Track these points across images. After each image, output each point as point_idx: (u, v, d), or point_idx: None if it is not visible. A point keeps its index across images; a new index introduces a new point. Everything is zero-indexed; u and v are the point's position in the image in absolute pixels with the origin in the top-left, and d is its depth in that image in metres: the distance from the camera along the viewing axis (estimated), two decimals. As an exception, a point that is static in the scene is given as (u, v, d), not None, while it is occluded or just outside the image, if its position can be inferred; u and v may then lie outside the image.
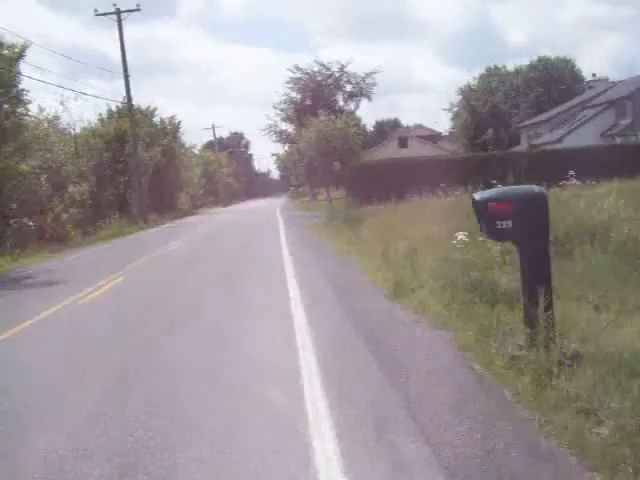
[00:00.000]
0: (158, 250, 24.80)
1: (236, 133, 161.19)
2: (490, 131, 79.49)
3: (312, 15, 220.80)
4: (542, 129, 72.09)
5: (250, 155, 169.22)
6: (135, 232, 40.36)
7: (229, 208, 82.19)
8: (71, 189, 41.16)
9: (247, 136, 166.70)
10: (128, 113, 47.20)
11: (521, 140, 77.15)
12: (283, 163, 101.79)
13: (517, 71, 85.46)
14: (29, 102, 33.57)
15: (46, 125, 43.30)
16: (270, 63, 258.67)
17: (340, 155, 76.42)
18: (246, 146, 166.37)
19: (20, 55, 31.72)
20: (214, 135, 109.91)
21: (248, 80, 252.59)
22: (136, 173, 47.23)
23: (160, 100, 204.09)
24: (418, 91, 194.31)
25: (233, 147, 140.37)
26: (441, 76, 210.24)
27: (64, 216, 38.46)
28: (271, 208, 59.31)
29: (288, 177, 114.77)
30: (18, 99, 32.04)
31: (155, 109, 64.91)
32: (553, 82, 79.84)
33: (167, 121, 68.83)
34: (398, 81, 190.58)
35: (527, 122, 76.38)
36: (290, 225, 33.54)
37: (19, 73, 32.07)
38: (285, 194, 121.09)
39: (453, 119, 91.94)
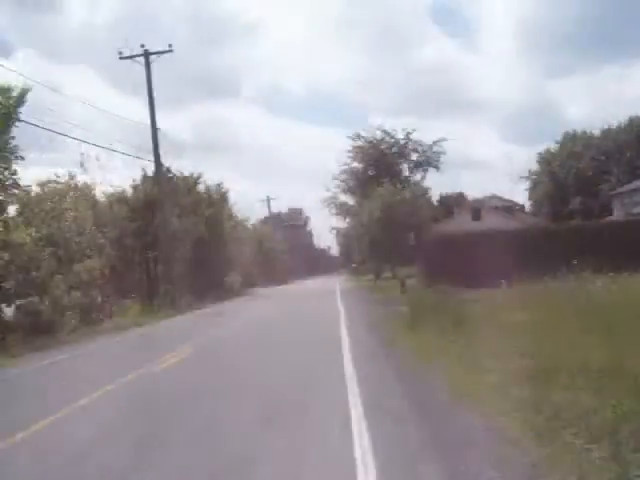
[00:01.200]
0: (148, 365, 14.97)
1: (295, 209, 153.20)
2: (577, 200, 69.57)
3: (371, 93, 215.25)
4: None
5: (309, 231, 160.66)
6: (155, 321, 31.10)
7: (282, 288, 72.75)
8: (77, 266, 32.27)
9: (306, 212, 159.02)
10: (155, 171, 38.36)
11: (614, 210, 66.86)
12: (343, 238, 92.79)
13: (605, 134, 75.16)
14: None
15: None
16: (330, 141, 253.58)
17: (407, 229, 67.39)
18: (305, 222, 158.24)
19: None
20: (269, 207, 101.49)
21: (308, 158, 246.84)
22: (164, 246, 38.29)
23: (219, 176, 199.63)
24: (478, 167, 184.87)
25: (291, 222, 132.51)
26: (500, 152, 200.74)
27: (65, 299, 29.77)
28: (330, 290, 49.48)
29: (349, 253, 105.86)
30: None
31: (200, 176, 56.49)
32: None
33: (213, 189, 60.15)
34: (458, 156, 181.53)
35: (621, 189, 66.17)
36: (360, 322, 22.26)
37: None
38: (345, 271, 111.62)
39: (532, 189, 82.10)
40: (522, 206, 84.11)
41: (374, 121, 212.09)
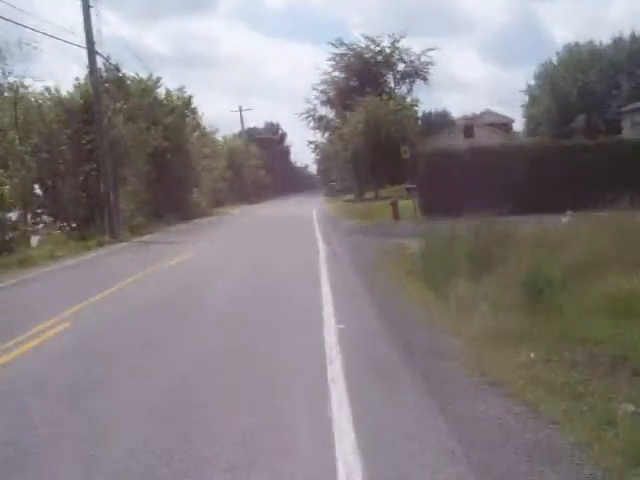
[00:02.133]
0: None
1: (272, 124, 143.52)
2: (581, 117, 61.96)
3: (354, 11, 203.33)
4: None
5: (286, 147, 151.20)
6: (76, 255, 23.59)
7: (253, 208, 64.87)
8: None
9: (285, 128, 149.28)
10: (88, 63, 29.83)
11: (622, 128, 59.50)
12: (322, 154, 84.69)
13: (616, 44, 66.82)
14: None
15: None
16: (310, 59, 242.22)
17: (393, 144, 59.70)
18: (282, 138, 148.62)
19: None
20: (241, 119, 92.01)
21: (289, 75, 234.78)
22: (102, 156, 30.31)
23: (195, 92, 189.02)
24: (461, 89, 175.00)
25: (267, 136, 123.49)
26: (483, 73, 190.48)
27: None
28: (307, 213, 41.79)
29: (327, 171, 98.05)
30: None
31: (159, 79, 48.00)
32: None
33: (175, 95, 51.58)
34: (441, 77, 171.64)
35: (632, 106, 58.62)
36: (355, 276, 13.96)
37: None
38: (324, 190, 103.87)
39: (529, 105, 74.14)
40: (511, 121, 76.48)
41: (357, 39, 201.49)
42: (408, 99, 70.07)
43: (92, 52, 29.12)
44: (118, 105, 37.49)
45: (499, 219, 14.25)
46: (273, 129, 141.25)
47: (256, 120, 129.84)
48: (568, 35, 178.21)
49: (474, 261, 11.78)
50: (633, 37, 64.79)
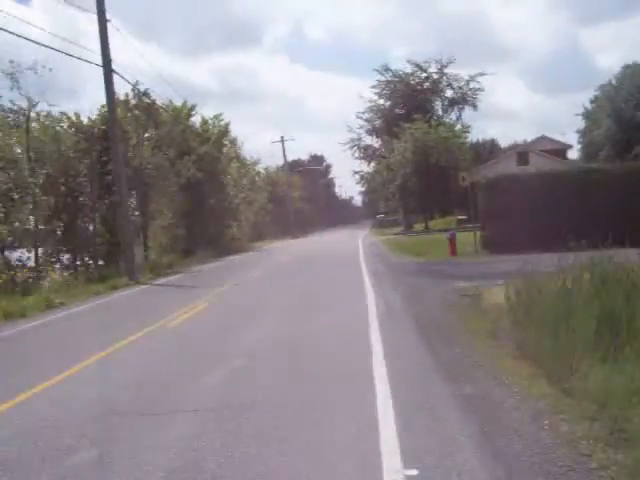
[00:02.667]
0: None
1: (316, 156, 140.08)
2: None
3: (396, 42, 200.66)
4: None
5: (330, 179, 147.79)
6: (82, 301, 19.93)
7: (294, 243, 60.95)
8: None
9: (329, 160, 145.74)
10: (104, 78, 26.16)
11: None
12: (367, 185, 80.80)
13: None
14: None
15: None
16: (353, 89, 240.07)
17: (445, 172, 55.78)
18: (327, 170, 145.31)
19: None
20: (283, 150, 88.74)
21: (331, 107, 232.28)
22: (120, 187, 26.70)
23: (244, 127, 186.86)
24: (505, 118, 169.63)
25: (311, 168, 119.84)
26: (527, 102, 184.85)
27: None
28: (352, 249, 37.51)
29: (373, 202, 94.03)
30: None
31: (194, 106, 44.77)
32: None
33: (211, 123, 48.24)
34: (486, 106, 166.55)
35: None
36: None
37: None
38: (369, 222, 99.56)
39: (587, 130, 69.25)
40: (567, 147, 71.56)
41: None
42: (458, 125, 65.78)
43: (108, 71, 25.55)
44: (146, 134, 34.49)
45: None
46: (317, 161, 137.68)
47: (300, 152, 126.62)
48: (613, 60, 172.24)
49: (597, 321, 7.64)
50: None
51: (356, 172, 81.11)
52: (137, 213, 34.92)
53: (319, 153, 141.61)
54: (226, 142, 51.32)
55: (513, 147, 70.95)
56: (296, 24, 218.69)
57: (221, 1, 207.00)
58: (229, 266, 33.35)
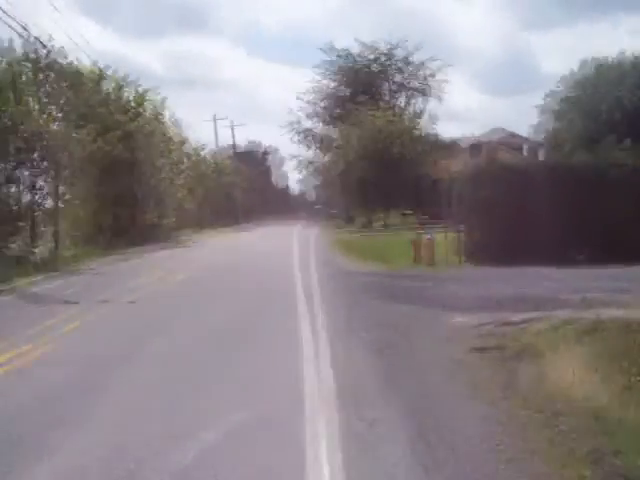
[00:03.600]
0: None
1: (253, 142, 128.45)
2: (628, 141, 51.75)
3: (347, 36, 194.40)
4: None
5: (267, 167, 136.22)
6: None
7: (223, 237, 53.14)
8: None
9: (270, 147, 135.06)
10: None
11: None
12: (310, 172, 74.17)
13: None
14: None
15: None
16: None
17: (408, 165, 50.05)
18: (264, 157, 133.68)
19: None
20: (215, 130, 79.72)
21: (283, 99, 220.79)
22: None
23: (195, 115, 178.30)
24: (460, 119, 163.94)
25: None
26: (475, 102, 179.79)
27: None
28: (296, 247, 31.11)
29: (323, 194, 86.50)
30: None
31: (103, 70, 37.75)
32: None
33: (140, 96, 41.56)
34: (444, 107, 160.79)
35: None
36: None
37: None
38: (311, 217, 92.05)
39: (551, 123, 63.55)
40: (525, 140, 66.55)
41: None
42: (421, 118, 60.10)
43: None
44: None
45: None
46: (254, 146, 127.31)
47: (224, 118, 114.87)
48: (557, 66, 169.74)
49: None
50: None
51: (294, 156, 73.91)
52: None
53: (259, 140, 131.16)
54: (164, 120, 45.15)
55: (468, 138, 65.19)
56: (253, 14, 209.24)
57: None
58: (137, 267, 26.27)
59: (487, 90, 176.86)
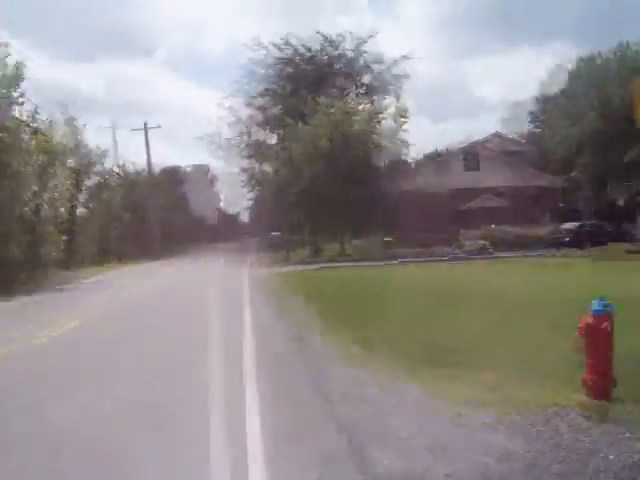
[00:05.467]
0: None
1: (200, 165, 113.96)
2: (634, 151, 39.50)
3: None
4: None
5: (216, 193, 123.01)
6: None
7: (142, 271, 38.23)
8: None
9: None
10: None
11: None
12: (260, 186, 58.85)
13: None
14: None
15: None
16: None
17: (372, 175, 36.36)
18: (212, 182, 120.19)
19: None
20: (145, 133, 63.03)
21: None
22: None
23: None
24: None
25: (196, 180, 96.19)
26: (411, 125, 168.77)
27: None
28: (214, 300, 17.28)
29: (262, 216, 73.27)
30: None
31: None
32: None
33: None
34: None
35: None
36: None
37: None
38: (257, 244, 78.12)
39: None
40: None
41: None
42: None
43: None
44: None
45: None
46: (202, 170, 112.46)
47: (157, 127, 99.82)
48: (492, 92, 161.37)
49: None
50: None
51: (244, 170, 58.25)
52: None
53: (204, 162, 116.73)
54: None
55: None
56: (189, 36, 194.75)
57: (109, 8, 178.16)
58: None
59: (424, 114, 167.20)
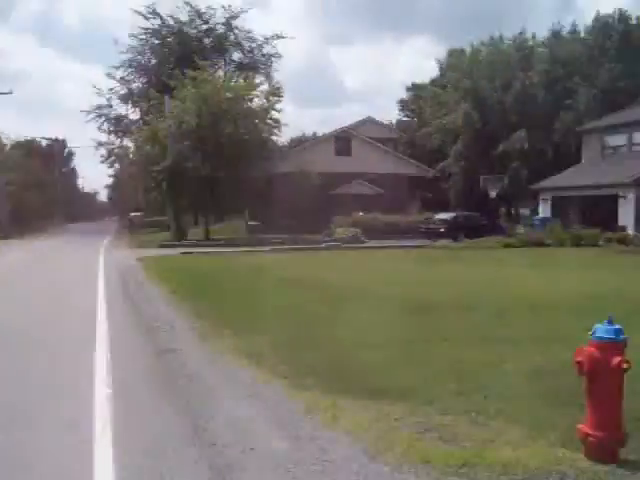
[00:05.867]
0: None
1: (57, 140, 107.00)
2: (521, 134, 39.70)
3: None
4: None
5: (73, 169, 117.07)
6: None
7: None
8: None
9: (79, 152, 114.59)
10: None
11: (582, 152, 38.16)
12: (120, 163, 55.30)
13: (555, 37, 44.63)
14: None
15: None
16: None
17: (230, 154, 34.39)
18: (69, 158, 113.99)
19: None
20: None
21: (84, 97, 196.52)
22: None
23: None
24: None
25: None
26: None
27: None
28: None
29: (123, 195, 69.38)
30: None
31: None
32: (631, 56, 40.11)
33: None
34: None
35: (596, 123, 37.18)
36: None
37: None
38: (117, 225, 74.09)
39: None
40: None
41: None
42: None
43: None
44: None
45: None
46: (58, 145, 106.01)
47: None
48: (356, 80, 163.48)
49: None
50: (595, 27, 42.84)
51: (100, 144, 54.20)
52: None
53: (61, 137, 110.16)
54: None
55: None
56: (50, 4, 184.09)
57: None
58: None
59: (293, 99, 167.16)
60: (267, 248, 29.06)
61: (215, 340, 8.76)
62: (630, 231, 30.04)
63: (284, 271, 17.86)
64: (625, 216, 31.22)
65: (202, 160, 34.68)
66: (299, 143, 57.98)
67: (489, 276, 16.41)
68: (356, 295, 12.58)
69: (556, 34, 44.05)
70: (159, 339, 9.16)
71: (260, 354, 7.63)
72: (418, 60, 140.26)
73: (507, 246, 28.08)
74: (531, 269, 18.69)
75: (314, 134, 54.51)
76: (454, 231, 33.09)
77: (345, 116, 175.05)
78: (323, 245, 31.01)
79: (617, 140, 35.83)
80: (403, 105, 66.87)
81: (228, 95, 36.33)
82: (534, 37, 49.08)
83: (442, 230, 33.83)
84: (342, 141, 44.64)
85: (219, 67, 52.19)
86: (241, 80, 40.18)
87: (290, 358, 7.34)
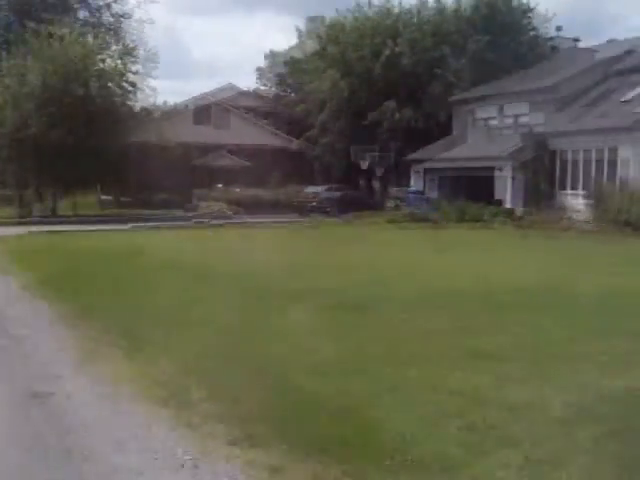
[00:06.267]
0: None
1: None
2: (390, 103, 38.27)
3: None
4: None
5: None
6: None
7: None
8: None
9: None
10: None
11: (453, 123, 37.65)
12: None
13: (418, 10, 43.42)
14: None
15: None
16: None
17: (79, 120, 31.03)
18: None
19: None
20: None
21: None
22: None
23: None
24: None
25: None
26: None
27: None
28: None
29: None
30: None
31: None
32: (499, 29, 39.58)
33: None
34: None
35: (466, 94, 36.52)
36: None
37: None
38: None
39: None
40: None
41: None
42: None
43: None
44: None
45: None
46: None
47: None
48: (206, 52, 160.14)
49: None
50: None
51: None
52: None
53: None
54: None
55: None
56: None
57: None
58: None
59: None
60: (126, 226, 25.96)
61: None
62: (508, 205, 29.43)
63: (158, 258, 15.19)
64: (501, 190, 30.57)
65: (48, 126, 30.73)
66: (163, 110, 54.42)
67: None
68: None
69: (423, 3, 43.24)
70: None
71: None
72: (272, 31, 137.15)
73: (391, 222, 26.49)
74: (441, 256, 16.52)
75: (164, 102, 50.70)
76: (328, 206, 31.25)
77: (202, 88, 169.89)
78: (192, 222, 28.02)
79: (488, 112, 35.33)
80: (261, 73, 64.42)
81: (78, 51, 32.47)
82: (400, 3, 48.19)
83: (315, 205, 31.93)
84: (202, 110, 41.64)
85: (64, 25, 47.37)
86: (90, 38, 36.19)
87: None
